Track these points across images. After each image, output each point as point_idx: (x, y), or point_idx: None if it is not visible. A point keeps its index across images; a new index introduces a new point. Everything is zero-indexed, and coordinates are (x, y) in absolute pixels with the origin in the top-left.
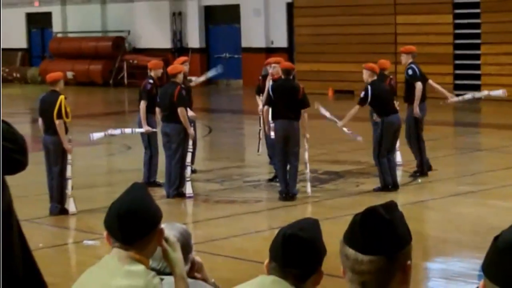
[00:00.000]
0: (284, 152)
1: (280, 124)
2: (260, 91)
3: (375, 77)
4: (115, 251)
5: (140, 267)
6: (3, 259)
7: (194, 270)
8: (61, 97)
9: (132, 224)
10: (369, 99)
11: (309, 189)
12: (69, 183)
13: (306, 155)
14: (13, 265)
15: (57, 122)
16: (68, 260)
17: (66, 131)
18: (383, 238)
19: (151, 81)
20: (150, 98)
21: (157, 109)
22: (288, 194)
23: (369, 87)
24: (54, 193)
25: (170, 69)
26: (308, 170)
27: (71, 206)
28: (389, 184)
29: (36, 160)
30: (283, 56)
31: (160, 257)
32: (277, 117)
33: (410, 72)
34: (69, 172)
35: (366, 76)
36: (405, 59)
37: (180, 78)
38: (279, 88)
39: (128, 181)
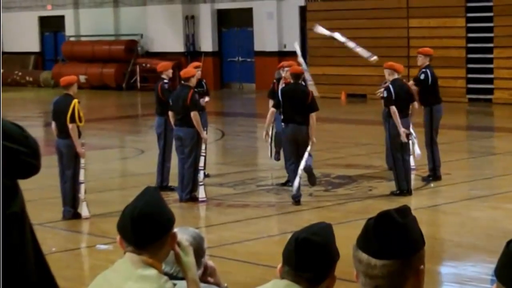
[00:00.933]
0: (294, 156)
1: (290, 128)
2: (273, 94)
3: (396, 76)
4: (128, 255)
5: (153, 272)
6: (16, 263)
7: (207, 274)
8: (75, 101)
9: (145, 228)
10: (393, 96)
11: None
12: (82, 187)
13: (306, 154)
14: (26, 269)
15: (70, 126)
16: (81, 264)
17: (80, 135)
18: (396, 242)
19: (166, 81)
20: (166, 99)
21: (170, 113)
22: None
23: (390, 85)
24: (67, 197)
25: (183, 73)
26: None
27: (84, 210)
28: (404, 189)
29: (49, 164)
30: (296, 60)
31: (173, 261)
32: (286, 121)
33: (422, 76)
34: (82, 176)
35: (387, 75)
36: (421, 60)
37: (193, 81)
38: (288, 92)
39: (141, 185)
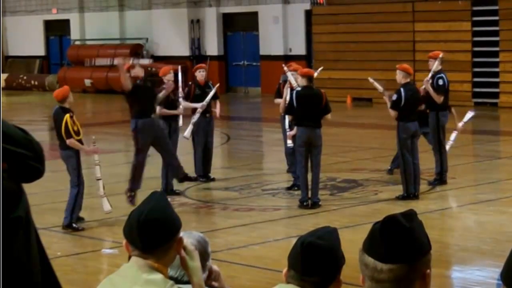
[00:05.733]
0: (306, 159)
1: (303, 131)
2: (279, 95)
3: (409, 79)
4: (134, 259)
5: (159, 276)
6: (22, 267)
7: (212, 278)
8: (66, 116)
9: (152, 232)
10: (402, 101)
11: None
12: (100, 184)
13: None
14: (32, 273)
15: (67, 142)
16: (87, 269)
17: (81, 143)
18: (403, 246)
19: (165, 86)
20: (167, 102)
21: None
22: (309, 202)
23: (401, 89)
24: None
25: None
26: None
27: (105, 205)
28: (410, 193)
29: (54, 168)
30: (301, 64)
31: (178, 265)
32: (299, 124)
33: (440, 82)
34: (98, 172)
35: (400, 77)
36: (433, 64)
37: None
38: (303, 97)
39: (147, 189)
